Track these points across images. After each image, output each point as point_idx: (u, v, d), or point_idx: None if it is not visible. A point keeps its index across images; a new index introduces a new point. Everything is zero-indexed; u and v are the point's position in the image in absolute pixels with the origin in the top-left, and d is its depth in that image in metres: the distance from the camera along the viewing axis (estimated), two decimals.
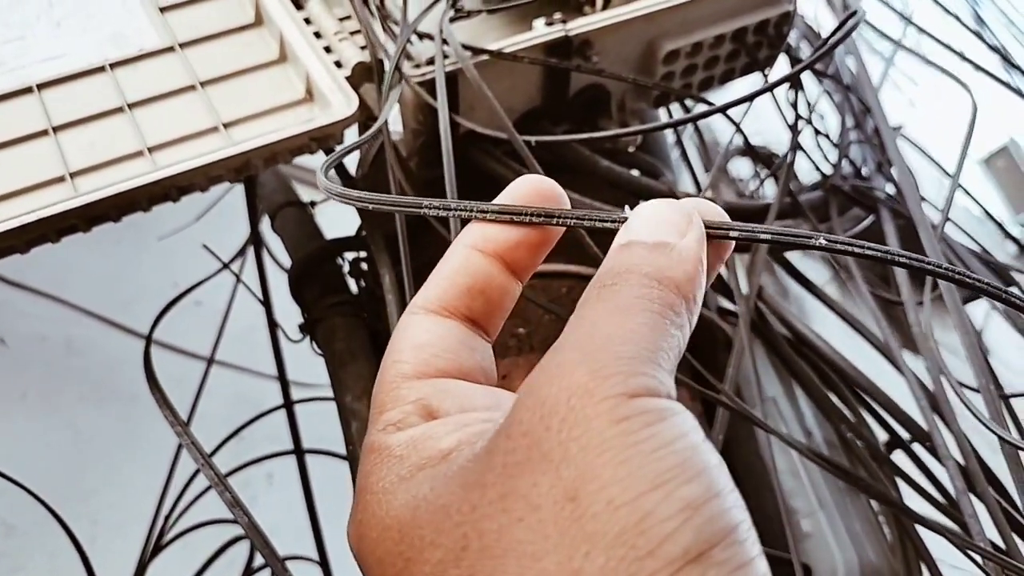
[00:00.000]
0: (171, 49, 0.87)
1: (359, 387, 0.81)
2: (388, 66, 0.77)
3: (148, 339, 0.75)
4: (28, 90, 0.82)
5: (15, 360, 1.99)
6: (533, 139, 0.72)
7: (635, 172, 0.97)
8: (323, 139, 0.77)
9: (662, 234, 0.32)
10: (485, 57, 0.79)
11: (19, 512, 1.68)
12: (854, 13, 0.73)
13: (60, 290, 2.00)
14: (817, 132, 0.99)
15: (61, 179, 0.75)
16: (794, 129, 0.93)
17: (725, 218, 0.33)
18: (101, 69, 0.84)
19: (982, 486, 0.71)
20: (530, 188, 0.37)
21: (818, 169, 1.00)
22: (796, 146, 0.92)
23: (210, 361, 1.10)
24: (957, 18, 1.47)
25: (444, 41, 0.75)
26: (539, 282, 0.85)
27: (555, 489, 0.25)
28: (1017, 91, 1.34)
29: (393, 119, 0.82)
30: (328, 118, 0.77)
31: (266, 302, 1.04)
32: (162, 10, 0.90)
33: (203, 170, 0.73)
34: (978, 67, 1.34)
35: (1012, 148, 4.95)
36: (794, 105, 0.94)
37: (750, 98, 0.76)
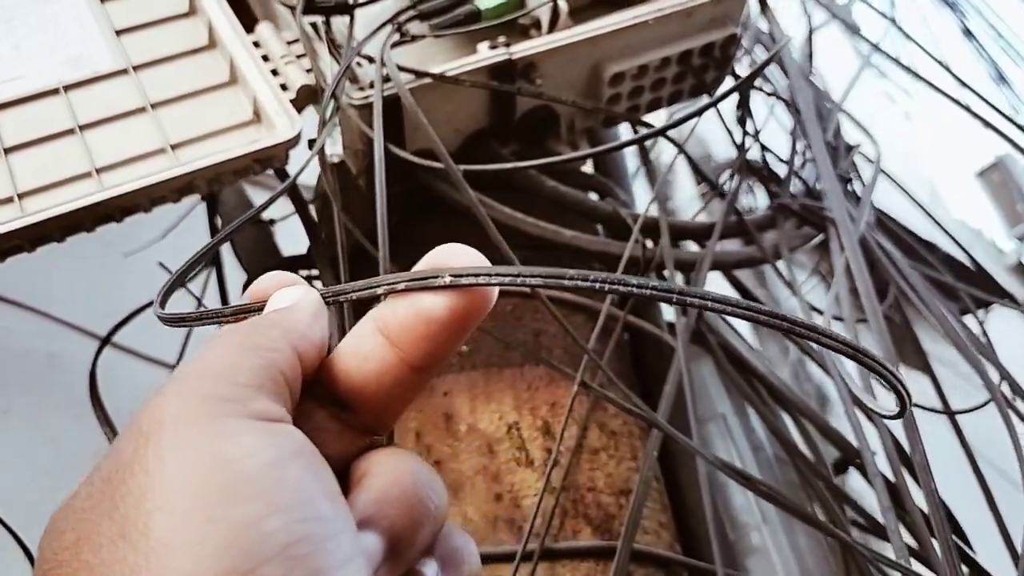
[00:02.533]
0: (124, 71, 0.88)
1: None
2: (333, 83, 0.79)
3: (97, 353, 0.76)
4: None
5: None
6: (463, 168, 0.74)
7: (591, 192, 0.99)
8: (266, 160, 0.79)
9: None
10: (427, 80, 0.81)
11: None
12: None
13: (41, 303, 2.01)
14: (764, 151, 1.00)
15: (10, 200, 0.77)
16: (740, 148, 0.94)
17: (480, 261, 0.32)
18: (55, 91, 0.86)
19: (911, 503, 0.73)
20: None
21: (766, 188, 1.02)
22: (743, 165, 0.94)
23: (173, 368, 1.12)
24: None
25: (385, 74, 0.77)
26: None
27: (112, 530, 0.26)
28: (1000, 111, 1.35)
29: (338, 139, 0.84)
30: (271, 140, 0.78)
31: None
32: (118, 32, 0.92)
33: (145, 191, 0.75)
34: (963, 83, 1.36)
35: (1007, 162, 4.95)
36: (741, 124, 0.95)
37: (681, 121, 0.78)
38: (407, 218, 0.91)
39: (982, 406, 0.91)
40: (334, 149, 0.85)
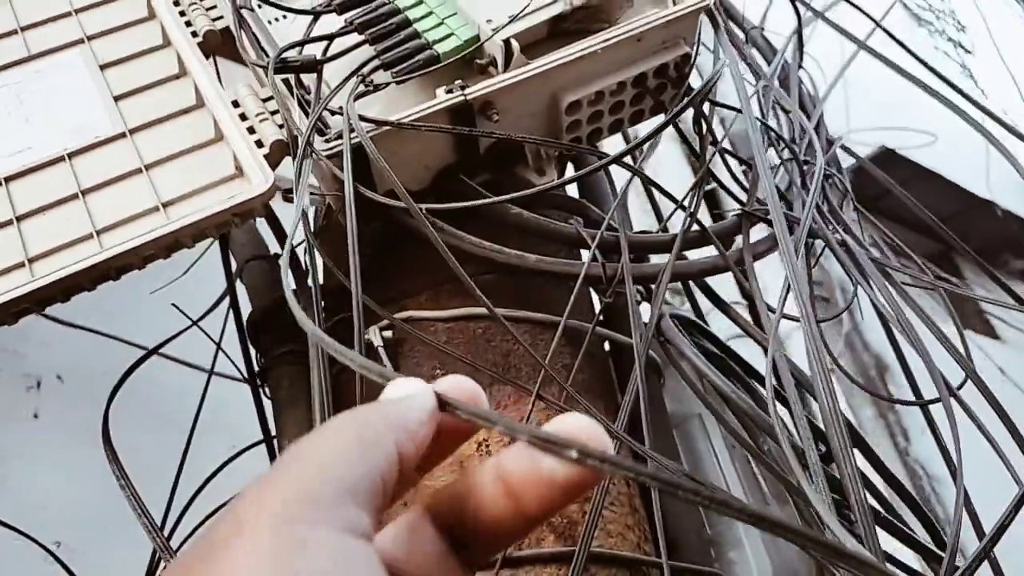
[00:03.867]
0: (123, 135, 0.97)
1: (295, 432, 0.91)
2: (300, 142, 0.86)
3: (108, 403, 0.85)
4: None
5: (72, 396, 2.13)
6: (424, 207, 0.80)
7: (576, 217, 1.05)
8: (244, 214, 0.86)
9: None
10: (387, 128, 0.87)
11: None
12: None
13: (114, 328, 2.14)
14: (724, 156, 1.04)
15: (21, 265, 0.86)
16: (701, 157, 0.99)
17: (601, 438, 0.35)
18: (61, 159, 0.95)
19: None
20: (454, 387, 0.37)
21: (731, 196, 1.06)
22: (703, 178, 0.98)
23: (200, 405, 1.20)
24: None
25: (352, 127, 0.84)
26: (455, 324, 0.93)
27: None
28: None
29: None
30: (247, 194, 0.86)
31: (246, 354, 1.14)
32: (116, 98, 1.01)
33: (137, 251, 0.84)
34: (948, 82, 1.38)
35: None
36: (700, 136, 1.00)
37: (632, 149, 0.83)
38: (384, 248, 0.98)
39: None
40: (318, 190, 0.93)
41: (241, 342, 1.13)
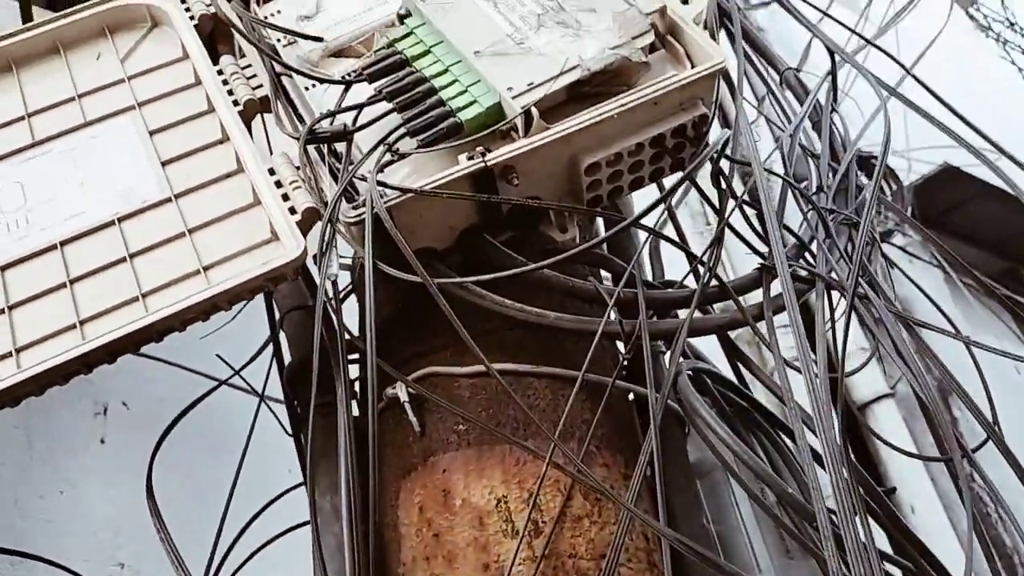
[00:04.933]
0: (168, 200, 1.03)
1: (325, 483, 0.95)
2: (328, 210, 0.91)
3: (153, 455, 0.90)
4: (53, 247, 1.00)
5: (137, 422, 2.22)
6: (438, 281, 0.85)
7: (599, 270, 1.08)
8: (277, 279, 0.91)
9: None
10: (411, 195, 0.92)
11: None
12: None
13: (176, 355, 2.23)
14: (744, 210, 1.05)
15: (72, 327, 0.93)
16: (720, 215, 1.01)
17: None
18: (111, 224, 1.02)
19: None
20: None
21: (752, 249, 1.07)
22: (721, 235, 1.00)
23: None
24: None
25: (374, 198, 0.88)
26: (478, 380, 0.96)
27: None
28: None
29: None
30: (280, 261, 0.91)
31: (289, 404, 1.19)
32: (164, 163, 1.07)
33: (178, 315, 0.89)
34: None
35: None
36: (720, 191, 1.02)
37: (648, 211, 0.86)
38: (411, 303, 1.02)
39: None
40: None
41: (285, 395, 1.18)
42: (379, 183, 0.90)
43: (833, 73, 1.45)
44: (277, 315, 1.23)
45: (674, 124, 1.00)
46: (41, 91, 1.17)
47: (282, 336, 1.27)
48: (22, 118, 1.15)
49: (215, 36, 1.20)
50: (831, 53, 1.48)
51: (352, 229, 0.92)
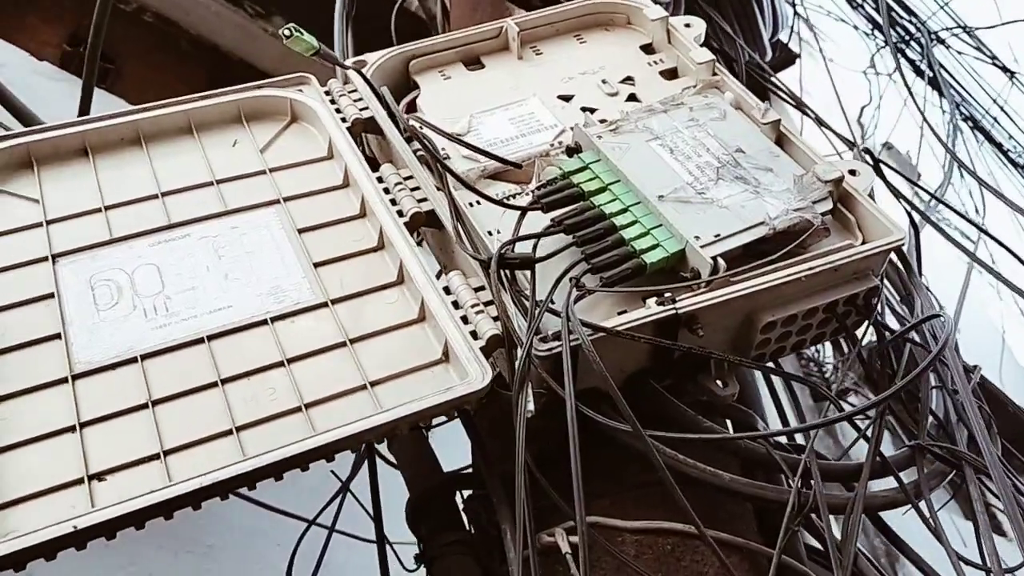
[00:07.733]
0: (324, 304, 0.98)
1: None
2: (518, 344, 0.87)
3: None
4: (200, 340, 0.94)
5: (244, 561, 2.06)
6: (651, 433, 0.81)
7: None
8: (461, 407, 0.86)
9: None
10: (602, 334, 0.89)
11: None
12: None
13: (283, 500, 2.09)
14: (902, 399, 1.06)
15: (228, 432, 0.85)
16: (880, 397, 1.00)
17: None
18: (263, 322, 0.96)
19: None
20: None
21: (900, 432, 1.07)
22: (882, 413, 0.99)
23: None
24: None
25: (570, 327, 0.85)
26: (644, 537, 0.92)
27: None
28: None
29: None
30: (467, 388, 0.86)
31: (377, 518, 1.12)
32: (315, 265, 1.02)
33: (356, 436, 0.83)
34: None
35: None
36: (874, 382, 1.01)
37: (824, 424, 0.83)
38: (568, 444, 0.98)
39: None
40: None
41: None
42: (580, 320, 0.87)
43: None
44: None
45: (848, 292, 1.00)
46: (174, 171, 1.12)
47: None
48: (155, 196, 1.09)
49: (356, 138, 1.17)
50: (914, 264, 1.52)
51: (541, 366, 0.88)
